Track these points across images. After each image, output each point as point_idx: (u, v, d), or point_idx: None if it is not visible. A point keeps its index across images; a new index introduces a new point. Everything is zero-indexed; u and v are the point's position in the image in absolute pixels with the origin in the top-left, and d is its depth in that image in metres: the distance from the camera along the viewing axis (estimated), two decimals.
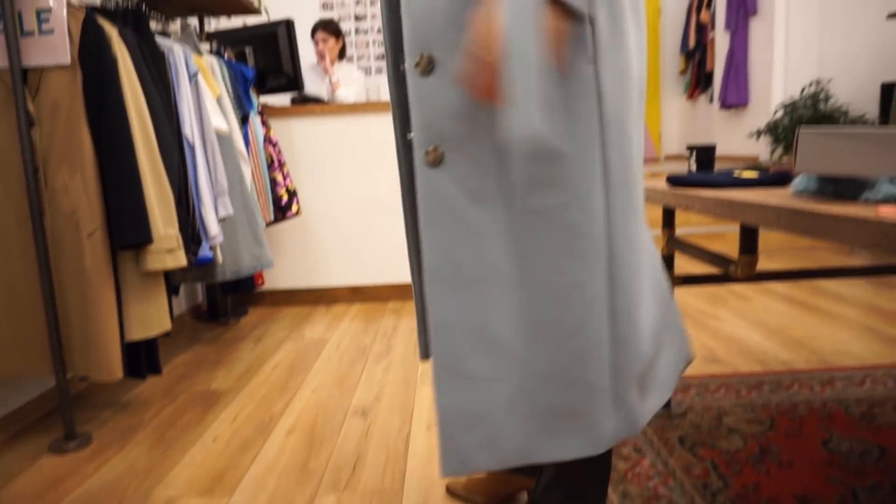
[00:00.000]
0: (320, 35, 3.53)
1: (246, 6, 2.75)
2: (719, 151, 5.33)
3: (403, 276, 3.26)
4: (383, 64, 4.61)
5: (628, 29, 0.71)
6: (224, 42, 2.99)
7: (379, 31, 4.63)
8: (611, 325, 0.74)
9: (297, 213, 2.82)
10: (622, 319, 0.74)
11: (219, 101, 2.23)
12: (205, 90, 2.09)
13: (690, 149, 1.53)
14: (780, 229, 0.86)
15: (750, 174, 1.25)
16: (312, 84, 3.62)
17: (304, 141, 3.14)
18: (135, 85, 1.64)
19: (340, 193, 3.18)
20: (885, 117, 3.87)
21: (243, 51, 3.02)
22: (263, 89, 3.15)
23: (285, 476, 1.49)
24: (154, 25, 2.10)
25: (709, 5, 6.01)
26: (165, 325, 1.74)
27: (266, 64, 3.12)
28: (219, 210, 2.10)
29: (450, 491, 1.35)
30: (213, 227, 2.04)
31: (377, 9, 4.67)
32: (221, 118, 2.16)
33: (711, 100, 5.86)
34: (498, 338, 0.73)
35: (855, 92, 4.06)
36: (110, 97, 1.56)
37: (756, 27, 4.45)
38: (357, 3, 4.63)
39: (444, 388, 0.74)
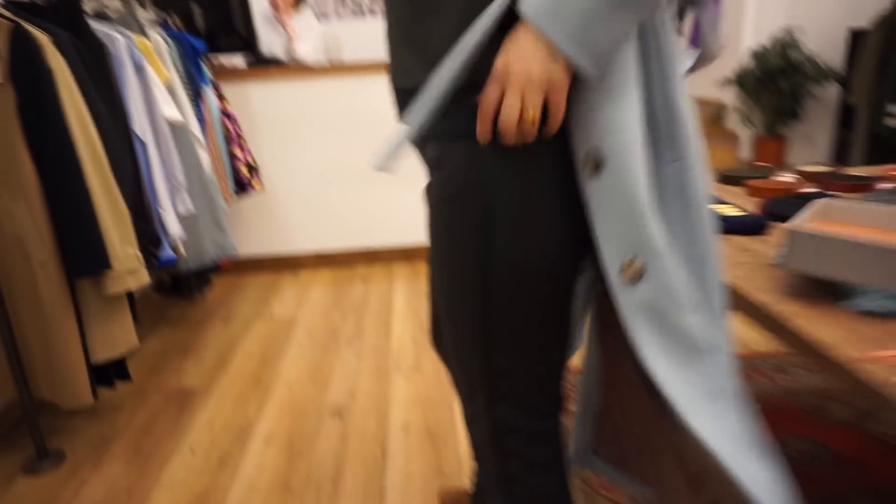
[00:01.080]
0: None
1: None
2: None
3: (371, 241, 3.23)
4: (340, 8, 4.33)
5: None
6: (167, 2, 2.76)
7: None
8: None
9: (259, 188, 2.72)
10: None
11: (169, 86, 2.08)
12: (153, 78, 1.94)
13: None
14: (762, 327, 0.87)
15: (731, 210, 1.24)
16: (266, 35, 3.39)
17: (263, 107, 2.98)
18: (75, 96, 1.51)
19: (303, 159, 3.07)
20: (850, 67, 3.85)
21: (189, 10, 2.80)
22: (214, 50, 2.94)
23: (268, 496, 1.52)
24: (90, 4, 1.91)
25: None
26: (132, 341, 1.70)
27: (216, 22, 2.90)
28: (178, 207, 2.01)
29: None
30: (174, 226, 1.96)
31: None
32: (173, 107, 2.02)
33: (680, 33, 5.72)
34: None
35: (824, 40, 4.01)
36: (49, 116, 1.44)
37: None
38: None
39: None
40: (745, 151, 4.29)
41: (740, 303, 0.90)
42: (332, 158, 3.08)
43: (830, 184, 1.47)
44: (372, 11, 4.35)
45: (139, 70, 1.88)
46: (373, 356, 2.23)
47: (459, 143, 0.69)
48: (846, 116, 3.75)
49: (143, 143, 1.86)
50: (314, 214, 3.17)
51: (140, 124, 1.85)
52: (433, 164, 0.73)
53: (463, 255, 0.72)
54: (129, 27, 2.03)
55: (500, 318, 0.74)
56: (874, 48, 3.42)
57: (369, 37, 4.31)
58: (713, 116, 4.29)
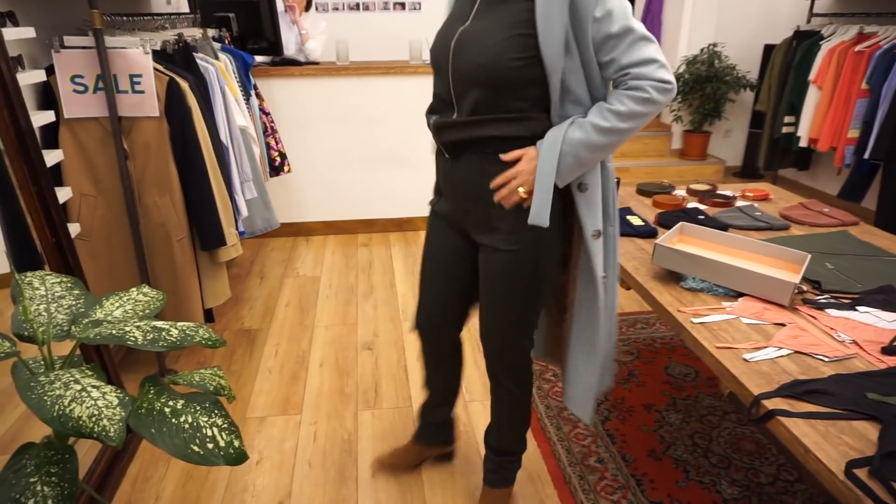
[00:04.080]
0: None
1: None
2: None
3: (368, 212, 3.92)
4: (339, 1, 4.88)
5: None
6: (209, 8, 3.32)
7: None
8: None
9: (288, 171, 3.37)
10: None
11: (236, 97, 2.70)
12: (229, 95, 2.57)
13: None
14: (635, 290, 1.65)
15: (637, 221, 2.02)
16: (282, 32, 3.95)
17: (284, 98, 3.59)
18: (201, 122, 2.15)
19: (315, 144, 3.71)
20: (762, 74, 4.67)
21: (227, 17, 3.37)
22: (245, 49, 3.51)
23: (331, 398, 2.27)
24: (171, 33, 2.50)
25: None
26: (228, 293, 2.39)
27: (247, 28, 3.48)
28: (245, 194, 2.67)
29: (379, 462, 1.89)
30: (244, 210, 2.63)
31: None
32: (242, 116, 2.65)
33: None
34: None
35: (743, 53, 4.82)
36: (190, 140, 2.09)
37: None
38: None
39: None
40: (676, 143, 5.13)
41: (631, 280, 1.68)
42: (339, 145, 3.73)
43: (705, 199, 2.27)
44: (367, 7, 4.92)
45: (222, 90, 2.51)
46: (386, 307, 2.97)
47: None
48: (757, 119, 4.60)
49: (226, 148, 2.50)
50: (323, 190, 3.83)
51: (225, 134, 2.49)
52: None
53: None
54: (206, 52, 2.64)
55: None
56: (777, 65, 4.24)
57: (367, 29, 4.90)
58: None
